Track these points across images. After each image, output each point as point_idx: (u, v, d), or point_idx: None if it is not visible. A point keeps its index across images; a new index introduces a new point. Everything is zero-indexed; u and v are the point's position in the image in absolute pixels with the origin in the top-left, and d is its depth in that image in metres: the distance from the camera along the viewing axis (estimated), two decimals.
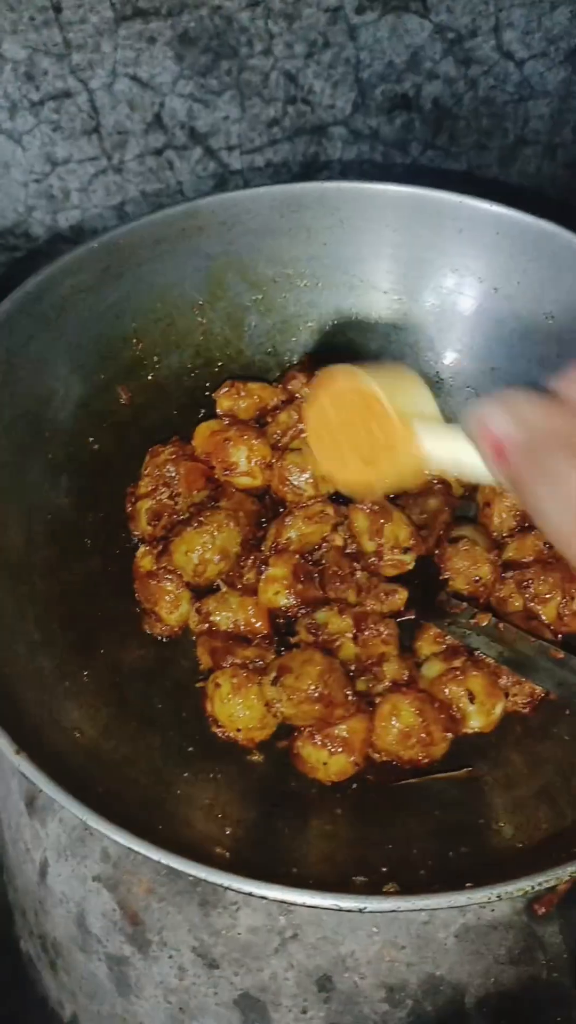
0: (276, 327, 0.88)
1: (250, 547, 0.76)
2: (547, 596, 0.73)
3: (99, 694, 0.70)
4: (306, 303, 0.88)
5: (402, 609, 0.74)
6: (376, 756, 0.68)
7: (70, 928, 0.68)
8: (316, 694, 0.66)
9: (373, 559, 0.75)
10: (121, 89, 0.99)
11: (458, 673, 0.69)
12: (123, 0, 0.94)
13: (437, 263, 0.85)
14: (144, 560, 0.76)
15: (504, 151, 1.14)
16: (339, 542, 0.76)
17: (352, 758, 0.67)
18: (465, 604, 0.74)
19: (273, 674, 0.67)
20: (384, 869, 0.59)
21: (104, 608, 0.75)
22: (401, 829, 0.64)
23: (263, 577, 0.73)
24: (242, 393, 0.80)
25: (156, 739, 0.69)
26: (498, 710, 0.69)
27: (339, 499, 0.77)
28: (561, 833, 0.60)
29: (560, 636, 0.73)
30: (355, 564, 0.75)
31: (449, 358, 0.87)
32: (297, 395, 0.82)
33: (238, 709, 0.69)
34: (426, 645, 0.73)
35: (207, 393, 0.85)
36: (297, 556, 0.74)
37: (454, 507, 0.80)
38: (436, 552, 0.77)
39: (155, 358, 0.84)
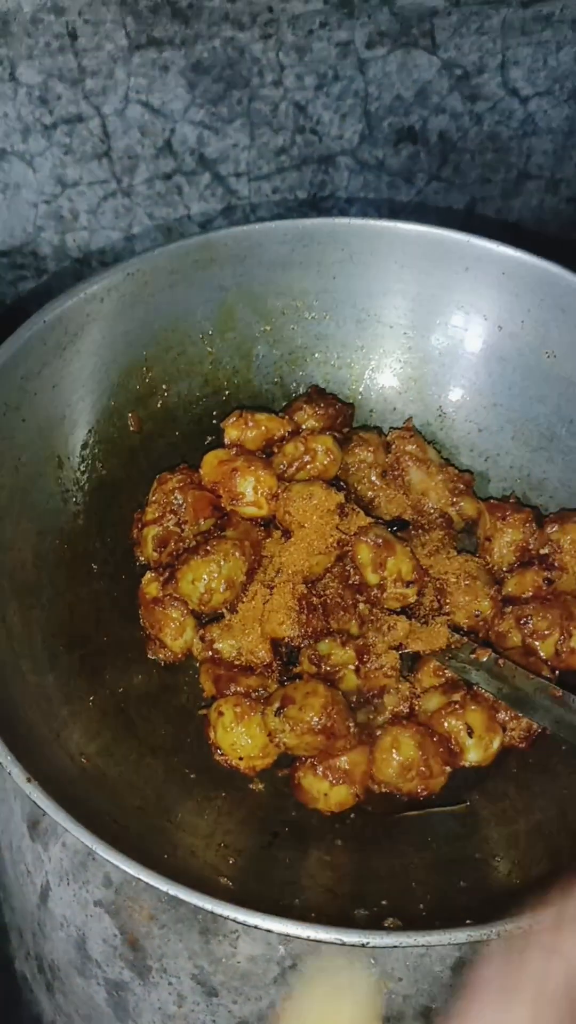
0: (284, 358, 0.89)
1: (255, 576, 0.77)
2: (545, 632, 0.74)
3: (103, 719, 0.71)
4: (314, 335, 0.89)
5: (404, 641, 0.75)
6: (376, 788, 0.69)
7: (70, 952, 0.68)
8: (319, 726, 0.66)
9: (376, 591, 0.76)
10: (133, 115, 1.00)
11: (457, 707, 0.70)
12: (138, 29, 0.95)
13: (444, 300, 0.86)
14: (150, 586, 0.76)
15: (507, 185, 1.16)
16: (342, 573, 0.77)
17: (353, 789, 0.68)
18: (466, 639, 0.75)
19: (276, 704, 0.68)
20: (384, 902, 0.60)
21: (110, 633, 0.76)
22: (400, 861, 0.65)
23: (268, 606, 0.74)
24: (250, 423, 0.81)
25: (159, 765, 0.70)
26: (496, 744, 0.70)
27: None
28: (556, 871, 0.61)
29: (557, 672, 0.74)
30: (358, 596, 0.76)
31: (455, 394, 0.88)
32: (303, 426, 0.84)
33: (240, 738, 0.69)
34: (426, 678, 0.74)
35: (215, 421, 0.86)
36: (303, 586, 0.75)
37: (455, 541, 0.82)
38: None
39: (164, 386, 0.85)
